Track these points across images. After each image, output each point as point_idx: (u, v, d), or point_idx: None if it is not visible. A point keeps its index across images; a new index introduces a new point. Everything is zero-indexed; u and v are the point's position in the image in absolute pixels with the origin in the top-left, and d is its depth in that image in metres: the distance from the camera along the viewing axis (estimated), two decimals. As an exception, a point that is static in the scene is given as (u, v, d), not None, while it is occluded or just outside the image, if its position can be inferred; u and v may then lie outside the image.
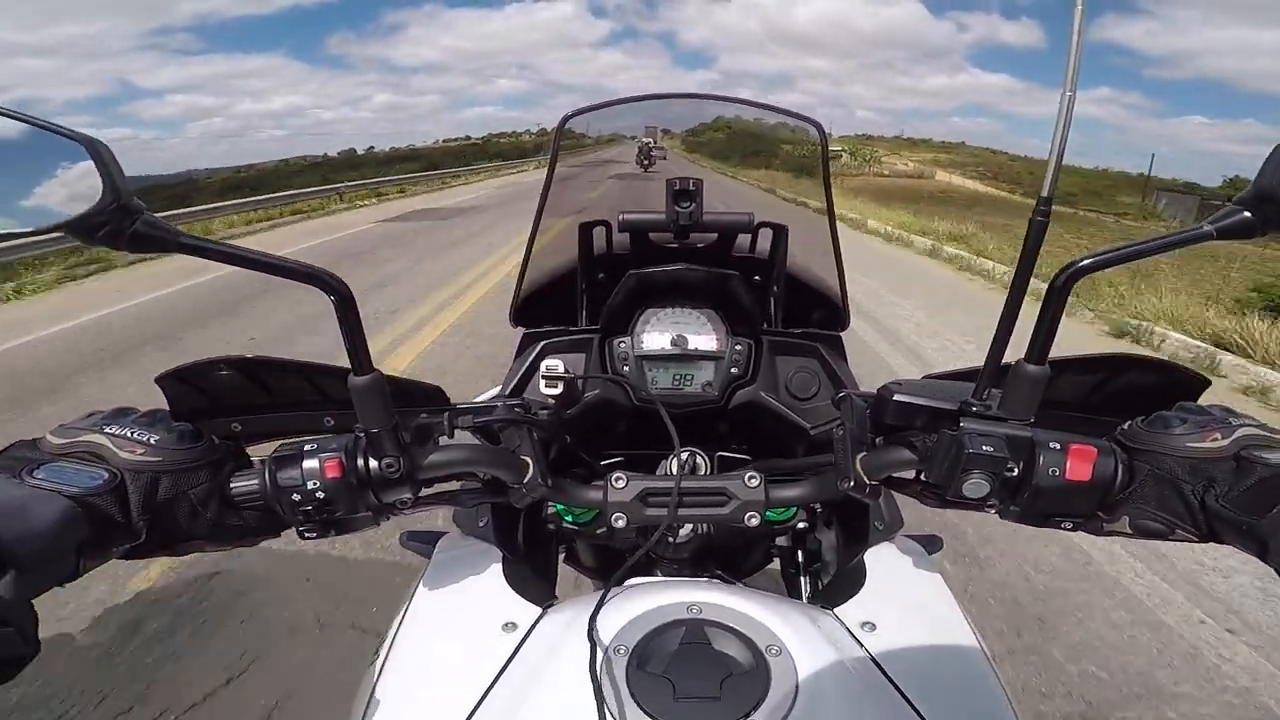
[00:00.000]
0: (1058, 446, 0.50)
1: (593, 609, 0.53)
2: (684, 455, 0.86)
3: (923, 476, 0.56)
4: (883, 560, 0.69)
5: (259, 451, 0.57)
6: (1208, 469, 0.48)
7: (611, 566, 0.99)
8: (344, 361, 0.51)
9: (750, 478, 0.64)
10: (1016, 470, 0.50)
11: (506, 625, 0.58)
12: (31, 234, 0.41)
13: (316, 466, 0.51)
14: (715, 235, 0.90)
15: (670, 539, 0.81)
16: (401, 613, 0.63)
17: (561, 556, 0.98)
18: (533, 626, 0.58)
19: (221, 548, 0.55)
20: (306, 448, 0.52)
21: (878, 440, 0.58)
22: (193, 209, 12.13)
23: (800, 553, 0.95)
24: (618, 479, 0.65)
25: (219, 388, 0.63)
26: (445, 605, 0.64)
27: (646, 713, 0.45)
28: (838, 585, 0.69)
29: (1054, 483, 0.50)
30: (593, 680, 0.47)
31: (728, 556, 0.93)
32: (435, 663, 0.57)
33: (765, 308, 0.94)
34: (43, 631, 0.40)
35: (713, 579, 0.77)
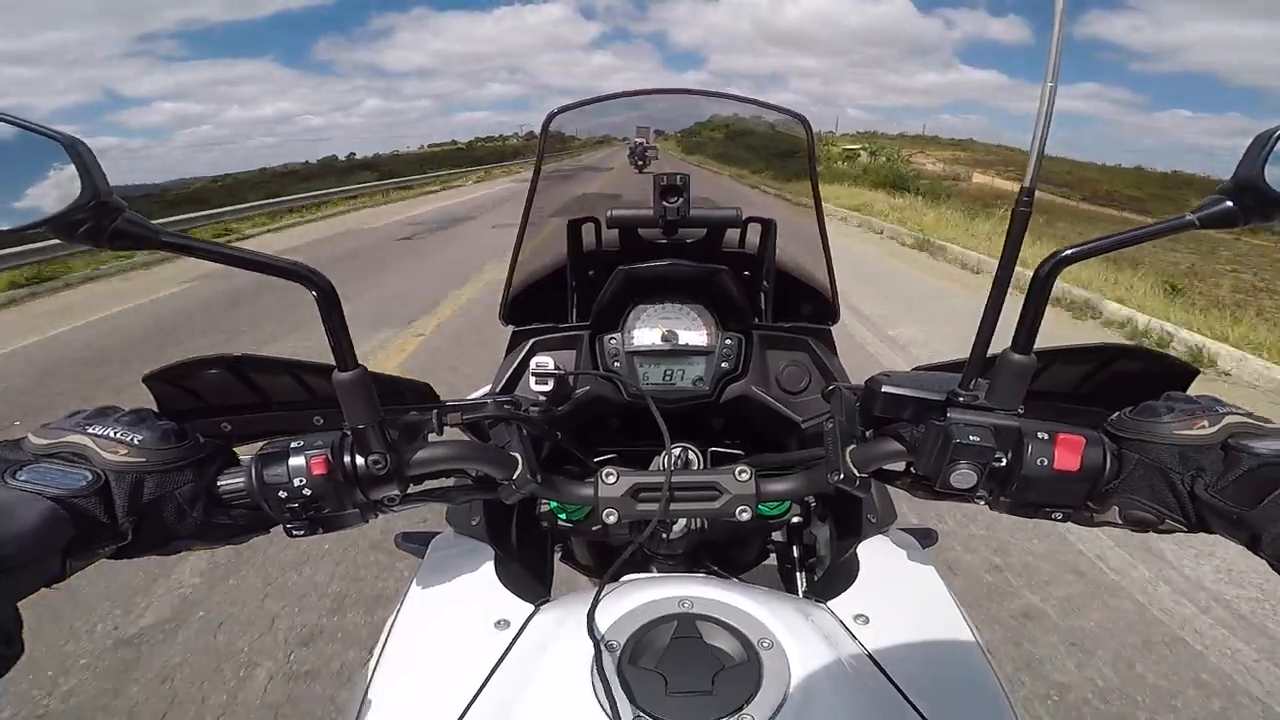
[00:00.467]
0: (1045, 436, 0.50)
1: (586, 606, 0.53)
2: (676, 451, 0.86)
3: (912, 469, 0.56)
4: (876, 553, 0.69)
5: (248, 452, 0.56)
6: (1196, 458, 0.48)
7: (606, 563, 0.99)
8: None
9: (741, 472, 0.64)
10: (1004, 460, 0.50)
11: (499, 623, 0.58)
12: (10, 232, 0.40)
13: (303, 464, 0.51)
14: (704, 230, 0.90)
15: (664, 535, 0.81)
16: (395, 612, 0.63)
17: (558, 555, 0.99)
18: (525, 624, 0.58)
19: (210, 546, 0.55)
20: (293, 445, 0.52)
21: (867, 433, 0.58)
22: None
23: (795, 548, 0.95)
24: (608, 475, 0.65)
25: (207, 387, 0.62)
26: (438, 603, 0.64)
27: (639, 708, 0.45)
28: (831, 578, 0.69)
29: (1042, 472, 0.50)
30: (586, 675, 0.47)
31: (723, 552, 0.93)
32: (428, 661, 0.57)
33: (755, 302, 0.94)
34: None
35: (707, 575, 0.77)
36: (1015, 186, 0.46)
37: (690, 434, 0.88)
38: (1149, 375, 0.61)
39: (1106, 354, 0.62)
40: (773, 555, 1.03)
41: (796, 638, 0.51)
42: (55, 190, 0.39)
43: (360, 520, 0.56)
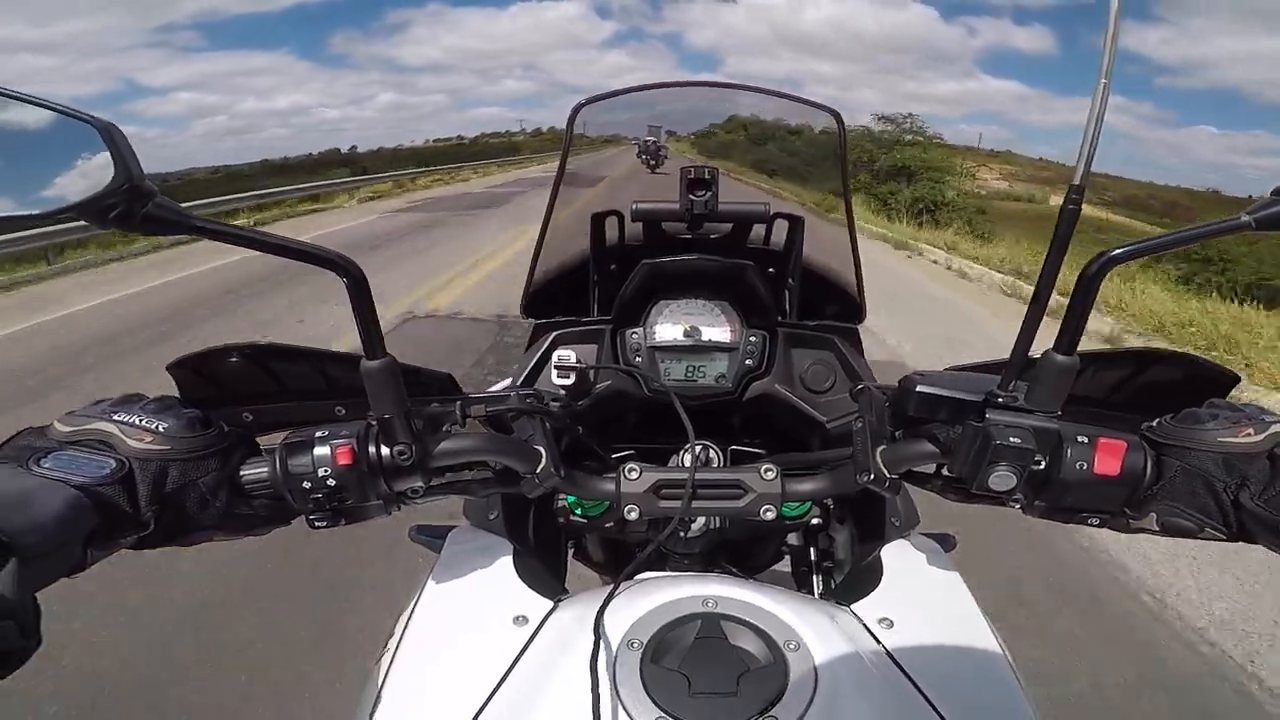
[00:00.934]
0: (1085, 440, 0.49)
1: (607, 603, 0.53)
2: (697, 448, 0.85)
3: (945, 470, 0.55)
4: (899, 557, 0.68)
5: (269, 442, 0.56)
6: (1241, 466, 0.47)
7: (620, 561, 0.98)
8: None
9: (766, 470, 0.63)
10: (1043, 463, 0.49)
11: (517, 619, 0.57)
12: (43, 217, 0.40)
13: (328, 453, 0.51)
14: (729, 226, 0.88)
15: (682, 534, 0.80)
16: (412, 605, 0.63)
17: (570, 552, 0.98)
18: (544, 620, 0.57)
19: (231, 537, 0.54)
20: (318, 434, 0.52)
21: (897, 433, 0.57)
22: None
23: (813, 550, 0.94)
24: (631, 470, 0.64)
25: (230, 376, 0.62)
26: (456, 597, 0.63)
27: (661, 708, 0.44)
28: (853, 581, 0.69)
29: (1081, 476, 0.49)
30: (607, 674, 0.46)
31: (738, 552, 0.92)
32: (445, 655, 0.56)
33: (780, 300, 0.93)
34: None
35: (724, 574, 0.76)
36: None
37: (710, 432, 0.88)
38: (1188, 381, 0.59)
39: (1146, 359, 0.61)
40: (786, 557, 1.02)
41: (823, 640, 0.50)
42: (87, 174, 0.39)
43: (383, 512, 0.55)
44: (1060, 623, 2.11)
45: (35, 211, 0.40)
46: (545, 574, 0.69)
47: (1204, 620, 2.16)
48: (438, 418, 0.58)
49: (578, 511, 0.83)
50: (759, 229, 0.91)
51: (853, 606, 0.60)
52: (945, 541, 0.76)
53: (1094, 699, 1.80)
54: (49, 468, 0.45)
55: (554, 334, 0.89)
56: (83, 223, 0.40)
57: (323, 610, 2.06)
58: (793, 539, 0.99)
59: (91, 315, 5.89)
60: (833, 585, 0.91)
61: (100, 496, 0.44)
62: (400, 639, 0.59)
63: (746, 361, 0.87)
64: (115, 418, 0.49)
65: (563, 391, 0.83)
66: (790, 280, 0.93)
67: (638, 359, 0.87)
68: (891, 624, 0.57)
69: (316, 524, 0.53)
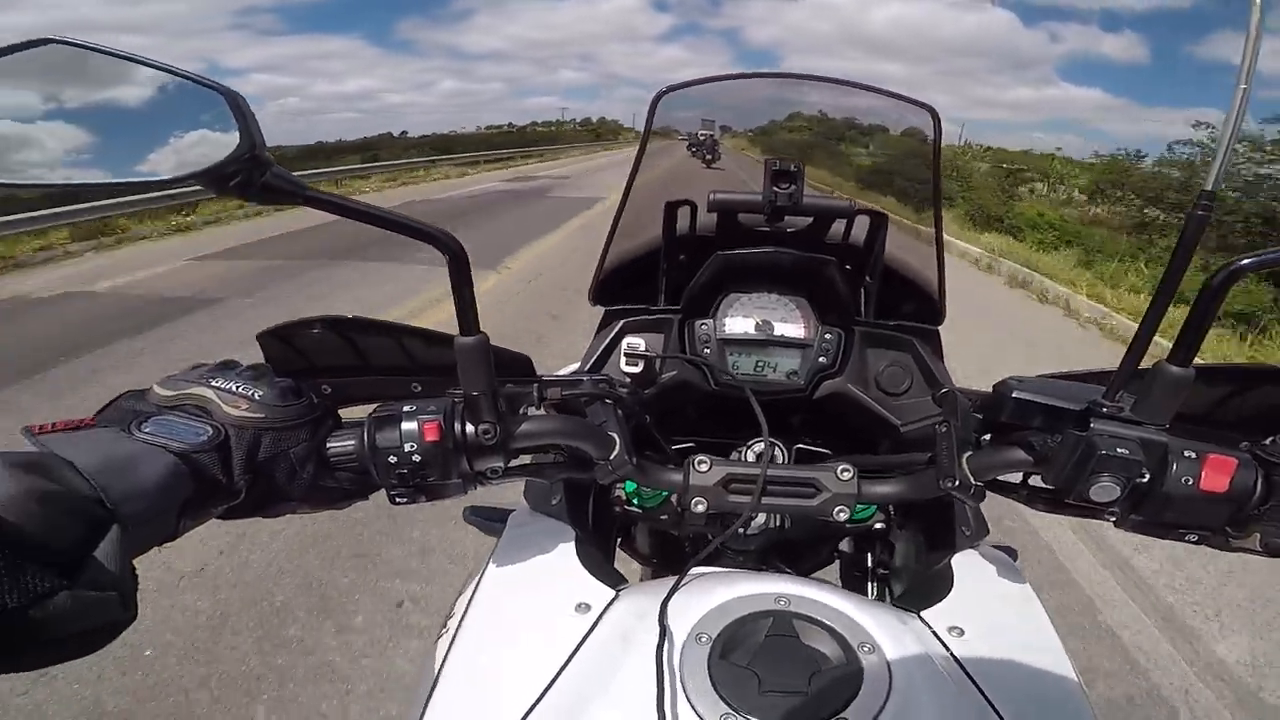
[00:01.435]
0: (1193, 455, 0.48)
1: (671, 594, 0.52)
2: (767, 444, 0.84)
3: (1033, 480, 0.53)
4: (970, 566, 0.66)
5: (345, 415, 0.57)
6: None
7: (666, 554, 0.98)
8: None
9: (843, 471, 0.62)
10: (1147, 476, 0.47)
11: (580, 606, 0.57)
12: (169, 182, 0.41)
13: (415, 429, 0.51)
14: (808, 221, 0.87)
15: (742, 530, 0.79)
16: (474, 586, 0.63)
17: (618, 542, 0.98)
18: (606, 609, 0.57)
19: (314, 509, 0.55)
20: (405, 409, 0.52)
21: (983, 440, 0.56)
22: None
23: (869, 556, 0.92)
24: (700, 462, 0.63)
25: (313, 347, 0.64)
26: (518, 581, 0.64)
27: (729, 704, 0.44)
28: (921, 589, 0.67)
29: (1186, 492, 0.47)
30: (673, 667, 0.46)
31: (791, 553, 0.91)
32: (506, 639, 0.57)
33: (857, 298, 0.91)
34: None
35: (779, 574, 0.75)
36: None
37: (773, 429, 0.86)
38: None
39: (1257, 376, 0.58)
40: (837, 561, 1.01)
41: (896, 644, 0.49)
42: (210, 142, 0.40)
43: (461, 490, 0.56)
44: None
45: (162, 177, 0.41)
46: (605, 562, 0.69)
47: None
48: (516, 398, 0.59)
49: (634, 501, 0.83)
50: (838, 226, 0.89)
51: (922, 614, 0.59)
52: (1009, 554, 0.74)
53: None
54: (150, 433, 0.45)
55: (623, 321, 0.89)
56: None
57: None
58: (846, 545, 0.98)
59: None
60: (888, 592, 0.89)
61: (197, 463, 0.45)
62: (461, 620, 0.59)
63: (820, 359, 0.86)
64: (213, 383, 0.50)
65: (629, 379, 0.83)
66: (869, 278, 0.91)
67: (706, 351, 0.86)
68: (961, 632, 0.56)
69: (397, 499, 0.54)
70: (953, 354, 0.91)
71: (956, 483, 0.56)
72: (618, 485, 0.83)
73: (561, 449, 0.62)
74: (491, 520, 0.86)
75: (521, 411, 0.58)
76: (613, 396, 0.63)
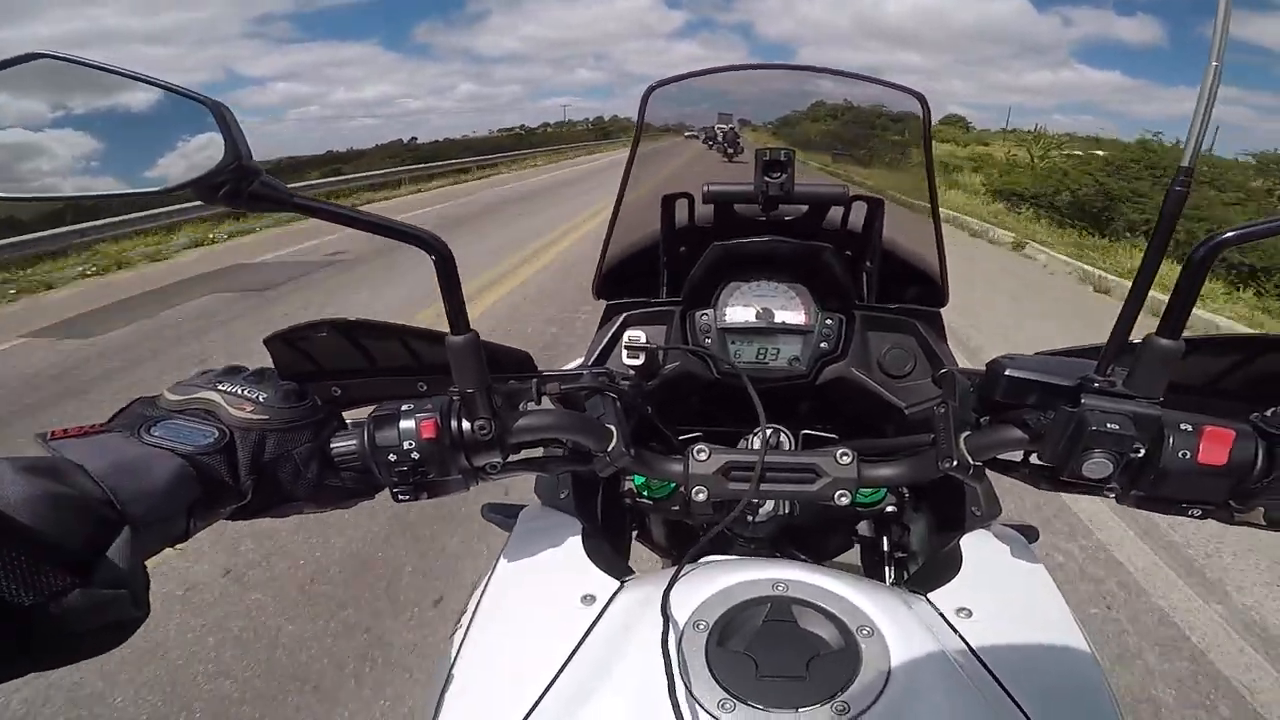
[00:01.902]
0: (1189, 428, 0.47)
1: (673, 584, 0.53)
2: (768, 431, 0.84)
3: (1033, 458, 0.53)
4: (980, 547, 0.66)
5: (355, 416, 0.58)
6: None
7: (683, 545, 0.98)
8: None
9: (843, 454, 0.62)
10: (1142, 451, 0.47)
11: (585, 598, 0.58)
12: (158, 194, 0.42)
13: (412, 427, 0.52)
14: (804, 208, 0.87)
15: (749, 518, 0.79)
16: (485, 582, 0.64)
17: (634, 534, 0.99)
18: (610, 599, 0.58)
19: (319, 509, 0.56)
20: (403, 408, 0.53)
21: (982, 419, 0.55)
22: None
23: (885, 540, 0.92)
24: (700, 451, 0.64)
25: (320, 350, 0.65)
26: (527, 575, 0.64)
27: (726, 690, 0.44)
28: (931, 570, 0.67)
29: (1184, 466, 0.47)
30: (674, 654, 0.46)
31: (806, 540, 0.91)
32: (515, 632, 0.57)
33: (857, 283, 0.91)
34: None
35: (792, 560, 0.75)
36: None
37: (780, 415, 0.86)
38: None
39: (1255, 346, 0.57)
40: (856, 546, 1.00)
41: (897, 627, 0.49)
42: (199, 153, 0.41)
43: (463, 486, 0.57)
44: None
45: (151, 189, 0.43)
46: (612, 554, 0.70)
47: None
48: (515, 394, 0.59)
49: (644, 493, 0.84)
50: (836, 212, 0.89)
51: (929, 595, 0.59)
52: (1028, 533, 0.73)
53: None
54: (159, 436, 0.46)
55: (624, 315, 0.89)
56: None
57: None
58: (864, 529, 0.97)
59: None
60: (906, 576, 0.89)
61: (204, 466, 0.46)
62: (473, 615, 0.60)
63: (821, 344, 0.86)
64: (220, 387, 0.51)
65: (632, 372, 0.84)
66: (868, 263, 0.90)
67: (707, 340, 0.87)
68: (970, 614, 0.56)
69: (400, 497, 0.55)
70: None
71: (955, 463, 0.55)
72: (627, 478, 0.84)
73: (562, 442, 0.63)
74: (506, 516, 0.87)
75: (521, 407, 0.59)
76: (612, 389, 0.64)
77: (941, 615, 0.56)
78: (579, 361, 0.89)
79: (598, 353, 0.87)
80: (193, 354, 4.49)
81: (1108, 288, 6.53)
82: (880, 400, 0.85)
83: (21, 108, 0.43)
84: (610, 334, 0.88)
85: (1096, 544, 2.37)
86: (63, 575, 0.35)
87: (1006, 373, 0.51)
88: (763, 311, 0.86)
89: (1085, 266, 7.38)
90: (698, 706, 0.43)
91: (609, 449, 0.60)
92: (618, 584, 0.59)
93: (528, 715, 0.48)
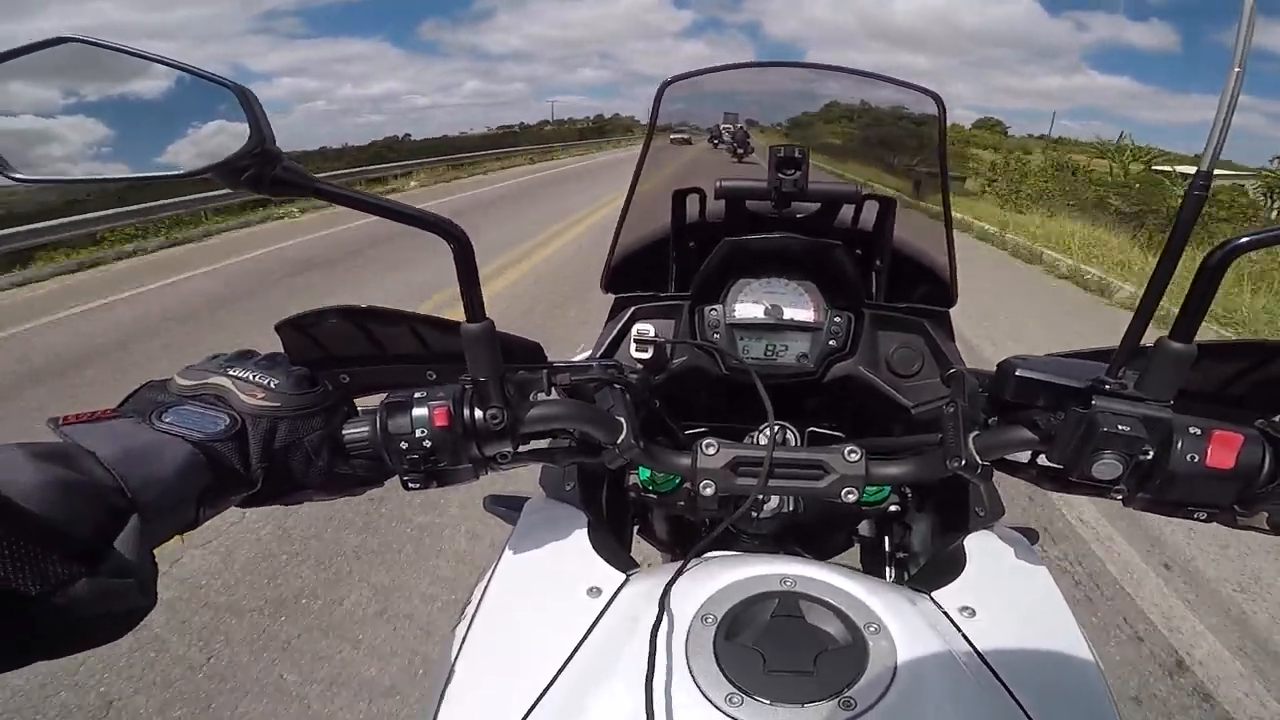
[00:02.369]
0: (1198, 432, 0.47)
1: (680, 577, 0.53)
2: (775, 427, 0.85)
3: (1041, 459, 0.53)
4: (983, 547, 0.66)
5: (363, 404, 0.58)
6: None
7: (685, 540, 0.99)
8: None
9: (850, 452, 0.62)
10: (1151, 453, 0.47)
11: (591, 590, 0.58)
12: (183, 176, 0.42)
13: (425, 414, 0.52)
14: (815, 206, 0.87)
15: (754, 514, 0.80)
16: (489, 574, 0.64)
17: (636, 528, 0.99)
18: (616, 592, 0.58)
19: (329, 497, 0.56)
20: (416, 396, 0.53)
21: (991, 420, 0.56)
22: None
23: (887, 539, 0.92)
24: (709, 446, 0.64)
25: (331, 337, 0.65)
26: (532, 567, 0.64)
27: (734, 683, 0.44)
28: (934, 569, 0.67)
29: (1191, 469, 0.47)
30: (679, 647, 0.47)
31: (809, 538, 0.91)
32: (521, 623, 0.58)
33: (867, 281, 0.91)
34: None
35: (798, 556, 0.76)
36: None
37: (787, 412, 0.86)
38: None
39: (1266, 352, 0.57)
40: (857, 545, 1.01)
41: (903, 624, 0.49)
42: (223, 137, 0.41)
43: (472, 476, 0.57)
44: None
45: (175, 172, 0.43)
46: (618, 547, 0.70)
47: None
48: (526, 384, 0.60)
49: (649, 487, 0.84)
50: (847, 210, 0.89)
51: (933, 594, 0.59)
52: (1029, 535, 0.74)
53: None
54: (170, 422, 0.46)
55: (633, 308, 0.90)
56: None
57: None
58: (865, 528, 0.98)
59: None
60: (906, 576, 0.89)
61: (215, 453, 0.46)
62: (478, 607, 0.60)
63: (830, 342, 0.86)
64: (230, 373, 0.51)
65: (640, 365, 0.84)
66: (878, 262, 0.91)
67: (716, 336, 0.87)
68: (973, 613, 0.56)
69: (410, 485, 0.55)
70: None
71: (963, 462, 0.56)
72: (631, 472, 0.84)
73: (571, 434, 0.63)
74: (510, 508, 0.88)
75: (531, 397, 0.59)
76: (621, 382, 0.64)
77: (945, 614, 0.56)
78: (587, 353, 0.89)
79: (606, 345, 0.88)
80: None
81: None
82: (887, 399, 0.85)
83: (50, 92, 0.43)
84: (619, 327, 0.88)
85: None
86: (70, 564, 0.34)
87: (1017, 373, 0.51)
88: (772, 308, 0.86)
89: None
90: (705, 700, 0.44)
91: (618, 441, 0.60)
92: (623, 577, 0.60)
93: (534, 706, 0.49)
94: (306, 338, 0.64)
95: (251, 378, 0.51)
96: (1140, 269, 6.79)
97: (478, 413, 0.53)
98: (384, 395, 0.56)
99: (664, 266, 0.94)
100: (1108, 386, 0.47)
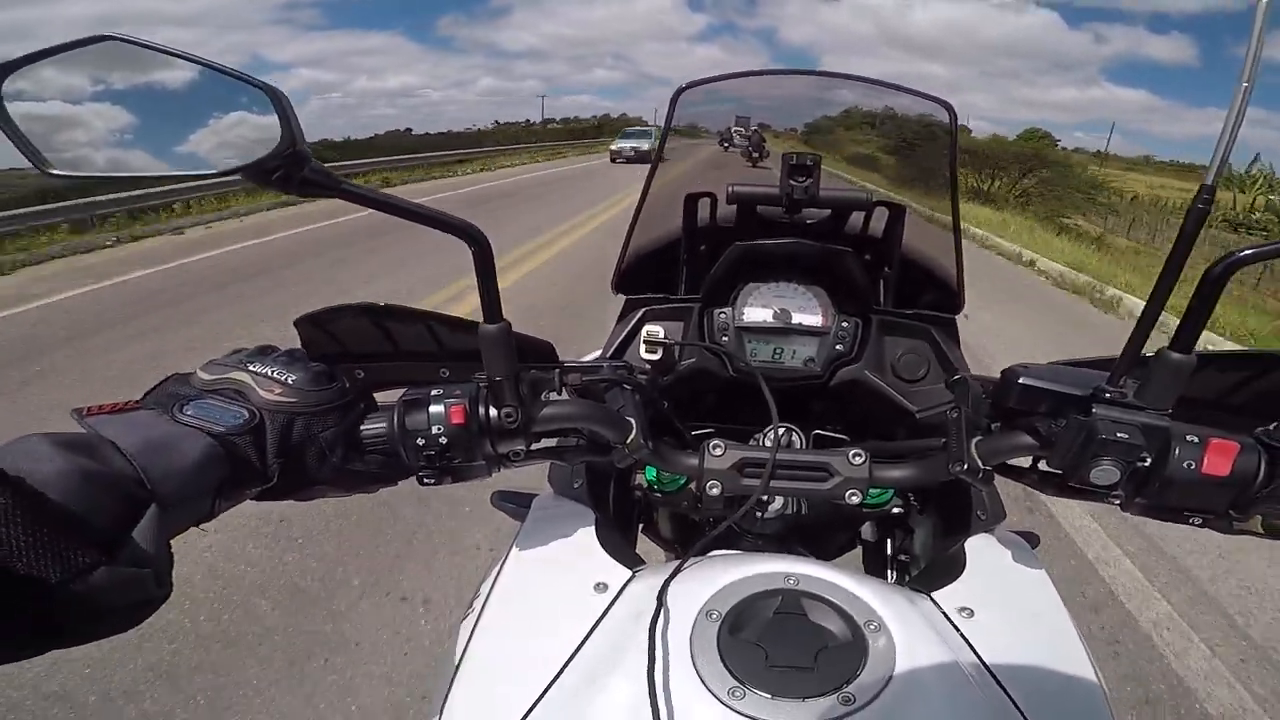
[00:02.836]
0: (1195, 439, 0.48)
1: (682, 574, 0.54)
2: (780, 430, 0.86)
3: (1040, 464, 0.54)
4: (983, 550, 0.67)
5: (378, 400, 0.59)
6: None
7: (689, 539, 1.00)
8: None
9: (855, 455, 0.64)
10: (1148, 460, 0.48)
11: (598, 585, 0.59)
12: (215, 176, 0.44)
13: (442, 412, 0.53)
14: (826, 212, 0.88)
15: (758, 514, 0.81)
16: (497, 569, 0.65)
17: (641, 527, 1.00)
18: (623, 588, 0.58)
19: (343, 493, 0.57)
20: (433, 393, 0.54)
21: (994, 425, 0.57)
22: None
23: (889, 542, 0.93)
24: (715, 446, 0.65)
25: (348, 333, 0.66)
26: (540, 562, 0.65)
27: (737, 678, 0.45)
28: (935, 570, 0.68)
29: (1187, 476, 0.48)
30: (683, 643, 0.48)
31: (811, 539, 0.92)
32: (528, 618, 0.58)
33: (875, 287, 0.92)
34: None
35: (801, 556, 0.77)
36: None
37: (792, 415, 0.87)
38: None
39: (1265, 363, 0.58)
40: (859, 546, 1.02)
41: (903, 623, 0.50)
42: (254, 137, 0.42)
43: (485, 472, 0.58)
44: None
45: (208, 171, 0.44)
46: (624, 544, 0.71)
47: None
48: (538, 384, 0.61)
49: (655, 487, 0.85)
50: (857, 217, 0.90)
51: (933, 595, 0.60)
52: (1030, 539, 0.75)
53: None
54: (191, 415, 0.46)
55: (643, 310, 0.91)
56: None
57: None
58: (867, 531, 0.99)
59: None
60: (907, 578, 0.90)
61: (233, 446, 0.46)
62: (485, 601, 0.61)
63: (837, 347, 0.87)
64: (250, 368, 0.52)
65: (649, 366, 0.85)
66: (887, 269, 0.92)
67: (724, 339, 0.88)
68: (972, 613, 0.57)
69: (425, 480, 0.56)
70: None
71: (965, 467, 0.57)
72: (638, 471, 0.85)
73: (581, 433, 0.64)
74: (517, 504, 0.89)
75: (543, 396, 0.60)
76: (631, 382, 0.65)
77: (944, 614, 0.57)
78: (597, 353, 0.90)
79: (616, 345, 0.89)
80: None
81: None
82: (892, 403, 0.86)
83: (89, 88, 0.44)
84: (629, 328, 0.89)
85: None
86: (90, 552, 0.35)
87: (1021, 380, 0.52)
88: (780, 312, 0.87)
89: None
90: (709, 693, 0.45)
91: (627, 441, 0.61)
92: (630, 573, 0.60)
93: (541, 697, 0.49)
94: (324, 333, 0.65)
95: (270, 373, 0.52)
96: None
97: (493, 411, 0.54)
98: (400, 392, 0.57)
99: (674, 269, 0.95)
100: (1108, 395, 0.48)
